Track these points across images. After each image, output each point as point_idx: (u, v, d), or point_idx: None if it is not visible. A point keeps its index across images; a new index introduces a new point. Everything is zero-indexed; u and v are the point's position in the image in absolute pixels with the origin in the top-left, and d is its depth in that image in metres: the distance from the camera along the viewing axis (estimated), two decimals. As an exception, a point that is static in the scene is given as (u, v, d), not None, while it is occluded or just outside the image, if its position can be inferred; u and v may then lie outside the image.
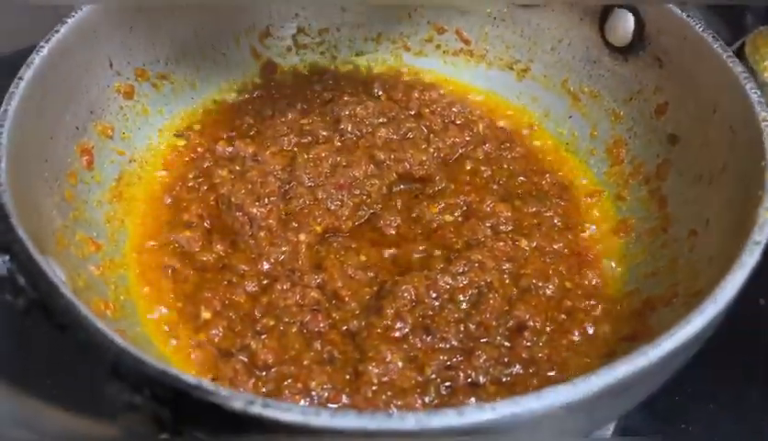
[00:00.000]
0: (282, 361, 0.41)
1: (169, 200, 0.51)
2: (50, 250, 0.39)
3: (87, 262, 0.44)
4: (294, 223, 0.48)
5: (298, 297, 0.44)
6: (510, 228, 0.49)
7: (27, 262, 0.34)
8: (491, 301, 0.43)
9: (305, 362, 0.41)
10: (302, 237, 0.47)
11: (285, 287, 0.44)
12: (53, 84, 0.45)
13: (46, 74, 0.44)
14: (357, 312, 0.43)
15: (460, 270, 0.45)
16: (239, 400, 0.29)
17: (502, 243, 0.47)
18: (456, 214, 0.50)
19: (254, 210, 0.48)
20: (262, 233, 0.47)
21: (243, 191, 0.49)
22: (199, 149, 0.54)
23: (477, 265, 0.45)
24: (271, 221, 0.48)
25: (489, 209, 0.50)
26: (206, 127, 0.56)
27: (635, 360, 0.31)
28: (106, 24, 0.49)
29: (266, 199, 0.49)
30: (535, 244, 0.48)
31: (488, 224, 0.49)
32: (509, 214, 0.49)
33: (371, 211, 0.50)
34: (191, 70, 0.57)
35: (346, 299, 0.44)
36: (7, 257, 0.35)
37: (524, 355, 0.41)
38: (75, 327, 0.33)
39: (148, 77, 0.54)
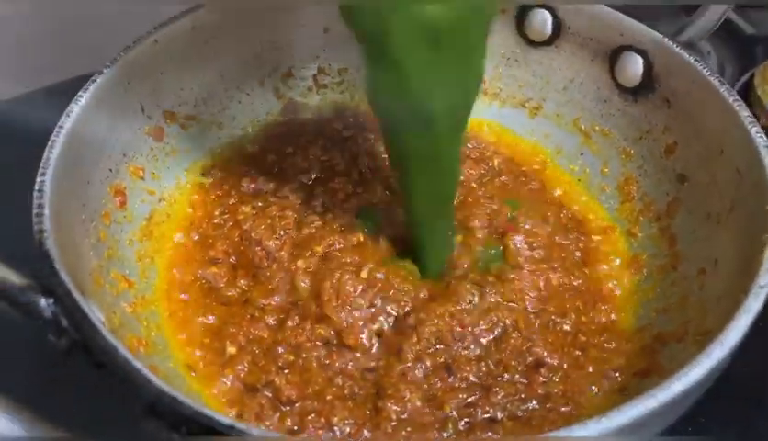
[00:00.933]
0: (305, 396, 0.43)
1: (196, 237, 0.53)
2: (88, 290, 0.41)
3: (121, 299, 0.46)
4: (298, 251, 0.50)
5: (308, 332, 0.45)
6: (542, 254, 0.50)
7: (69, 304, 0.36)
8: (513, 340, 0.45)
9: (327, 397, 0.43)
10: (300, 263, 0.49)
11: (294, 322, 0.46)
12: (90, 131, 0.47)
13: (84, 122, 0.46)
14: (373, 351, 0.45)
15: (488, 306, 0.46)
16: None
17: (534, 278, 0.49)
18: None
19: (270, 243, 0.50)
20: (274, 266, 0.49)
21: (263, 226, 0.51)
22: (225, 186, 0.56)
23: (506, 303, 0.47)
24: (283, 253, 0.50)
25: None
26: (231, 165, 0.58)
27: (645, 402, 0.32)
28: (139, 71, 0.52)
29: (282, 232, 0.51)
30: (560, 280, 0.49)
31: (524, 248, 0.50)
32: (543, 239, 0.51)
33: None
34: (217, 110, 0.59)
35: (351, 342, 0.45)
36: (51, 300, 0.37)
37: (540, 391, 0.43)
38: (114, 367, 0.35)
39: (176, 119, 0.56)
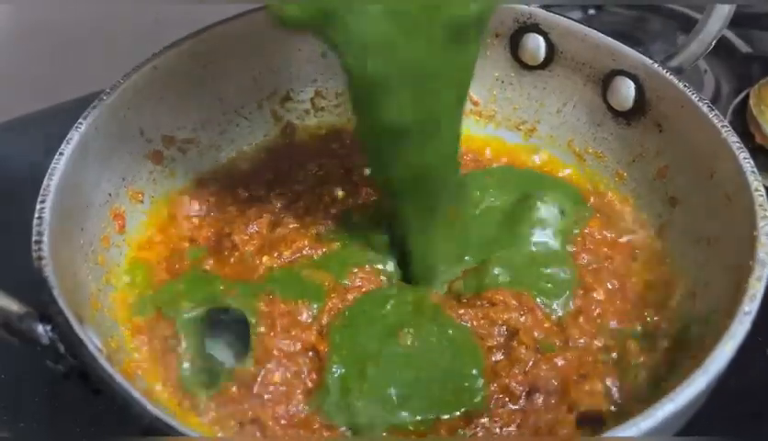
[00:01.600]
0: None
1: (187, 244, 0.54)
2: (86, 315, 0.42)
3: (119, 323, 0.47)
4: (267, 250, 0.51)
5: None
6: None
7: (67, 331, 0.37)
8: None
9: None
10: (265, 259, 0.50)
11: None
12: (91, 156, 0.48)
13: (84, 149, 0.47)
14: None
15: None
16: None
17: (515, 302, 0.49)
18: None
19: (237, 238, 0.52)
20: (232, 260, 0.51)
21: (237, 222, 0.53)
22: (220, 194, 0.57)
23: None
24: (249, 248, 0.51)
25: None
26: (228, 178, 0.59)
27: (628, 429, 0.33)
28: (138, 97, 0.53)
29: (255, 228, 0.52)
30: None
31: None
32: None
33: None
34: (216, 134, 0.60)
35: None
36: (50, 327, 0.38)
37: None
38: (111, 393, 0.36)
39: (175, 142, 0.57)
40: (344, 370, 0.44)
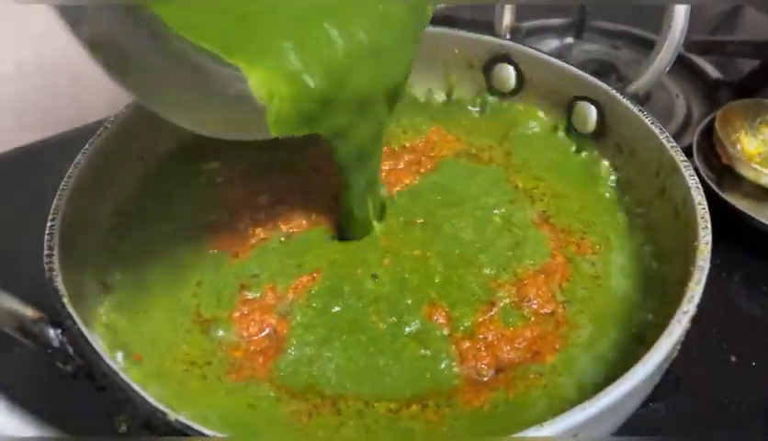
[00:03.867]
0: None
1: None
2: (91, 320, 0.47)
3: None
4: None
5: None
6: None
7: (75, 335, 0.42)
8: None
9: None
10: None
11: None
12: (96, 178, 0.53)
13: (90, 171, 0.52)
14: None
15: None
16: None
17: None
18: None
19: None
20: None
21: None
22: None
23: None
24: None
25: None
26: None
27: (576, 415, 0.37)
28: (140, 122, 0.57)
29: None
30: None
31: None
32: None
33: None
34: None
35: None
36: (59, 331, 0.42)
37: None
38: (114, 390, 0.40)
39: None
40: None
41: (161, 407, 0.38)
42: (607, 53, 0.96)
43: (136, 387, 0.39)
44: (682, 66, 0.88)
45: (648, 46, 0.93)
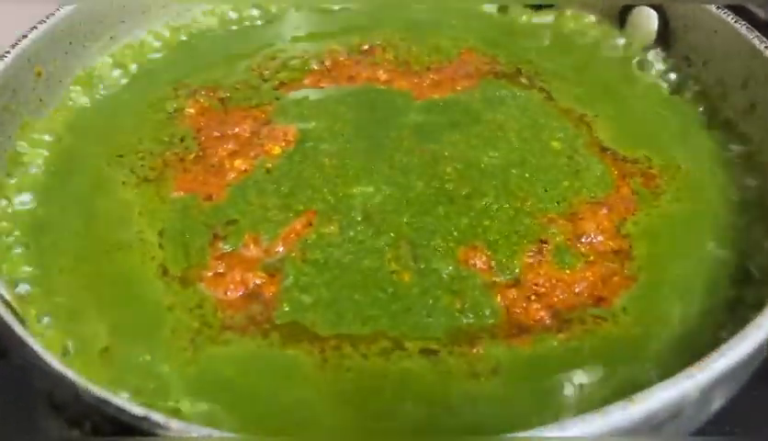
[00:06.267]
0: None
1: None
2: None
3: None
4: None
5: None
6: None
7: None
8: None
9: None
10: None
11: None
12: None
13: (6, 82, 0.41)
14: None
15: None
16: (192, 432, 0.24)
17: None
18: None
19: None
20: None
21: None
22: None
23: None
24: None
25: None
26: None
27: (682, 382, 0.25)
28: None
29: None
30: None
31: None
32: None
33: None
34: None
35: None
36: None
37: None
38: (13, 354, 0.28)
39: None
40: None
41: (70, 375, 0.26)
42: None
43: (38, 348, 0.27)
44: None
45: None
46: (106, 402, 0.25)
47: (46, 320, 0.34)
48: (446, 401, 0.31)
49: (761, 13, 0.79)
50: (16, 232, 0.38)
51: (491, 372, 0.32)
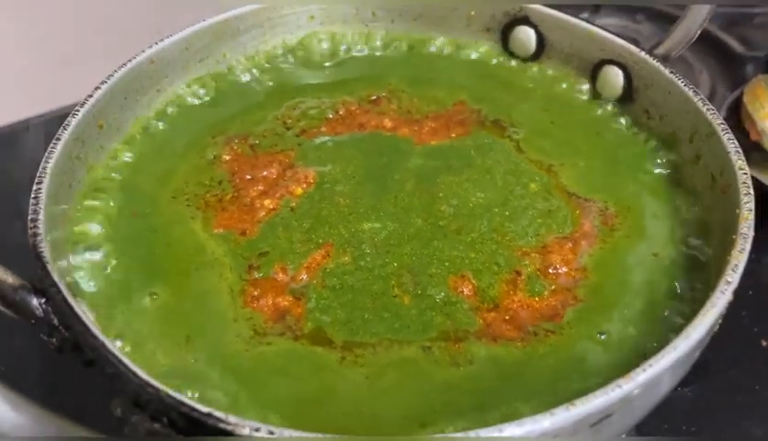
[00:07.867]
0: None
1: None
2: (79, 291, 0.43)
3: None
4: None
5: None
6: None
7: (61, 304, 0.38)
8: None
9: None
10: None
11: None
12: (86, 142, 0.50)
13: (80, 134, 0.49)
14: None
15: None
16: (246, 427, 0.32)
17: None
18: None
19: None
20: None
21: None
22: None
23: None
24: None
25: None
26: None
27: (611, 392, 0.33)
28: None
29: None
30: None
31: None
32: None
33: None
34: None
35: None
36: (43, 300, 0.38)
37: None
38: (103, 363, 0.36)
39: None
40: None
41: (151, 381, 0.34)
42: (626, 27, 0.92)
43: (124, 359, 0.35)
44: (705, 42, 0.84)
45: (669, 21, 0.90)
46: (180, 402, 0.33)
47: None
48: (433, 382, 0.40)
49: (736, 47, 0.87)
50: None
51: (468, 362, 0.41)
